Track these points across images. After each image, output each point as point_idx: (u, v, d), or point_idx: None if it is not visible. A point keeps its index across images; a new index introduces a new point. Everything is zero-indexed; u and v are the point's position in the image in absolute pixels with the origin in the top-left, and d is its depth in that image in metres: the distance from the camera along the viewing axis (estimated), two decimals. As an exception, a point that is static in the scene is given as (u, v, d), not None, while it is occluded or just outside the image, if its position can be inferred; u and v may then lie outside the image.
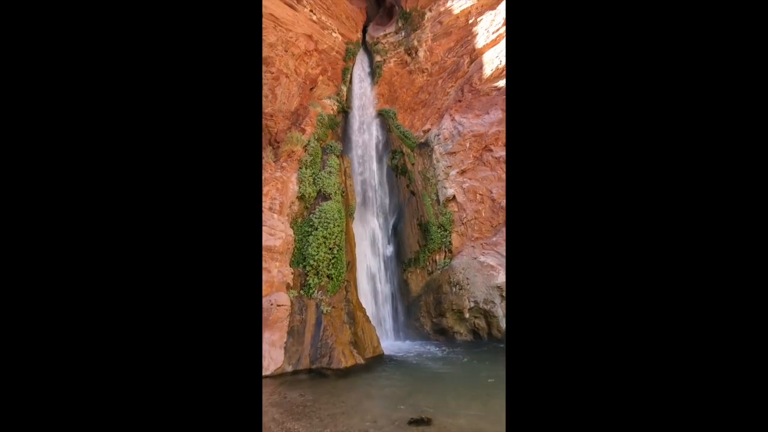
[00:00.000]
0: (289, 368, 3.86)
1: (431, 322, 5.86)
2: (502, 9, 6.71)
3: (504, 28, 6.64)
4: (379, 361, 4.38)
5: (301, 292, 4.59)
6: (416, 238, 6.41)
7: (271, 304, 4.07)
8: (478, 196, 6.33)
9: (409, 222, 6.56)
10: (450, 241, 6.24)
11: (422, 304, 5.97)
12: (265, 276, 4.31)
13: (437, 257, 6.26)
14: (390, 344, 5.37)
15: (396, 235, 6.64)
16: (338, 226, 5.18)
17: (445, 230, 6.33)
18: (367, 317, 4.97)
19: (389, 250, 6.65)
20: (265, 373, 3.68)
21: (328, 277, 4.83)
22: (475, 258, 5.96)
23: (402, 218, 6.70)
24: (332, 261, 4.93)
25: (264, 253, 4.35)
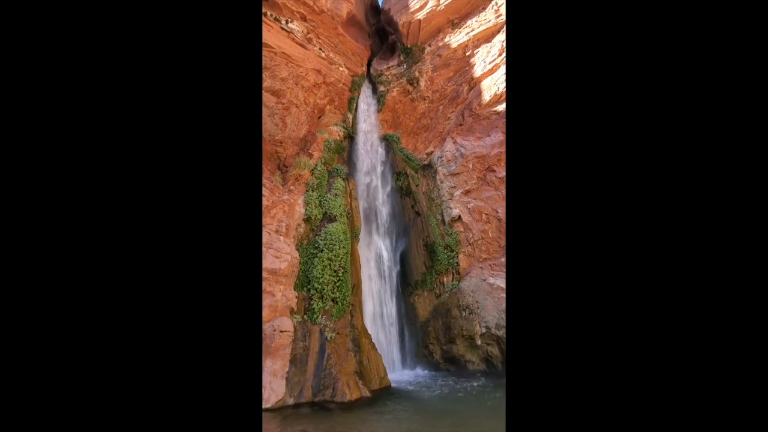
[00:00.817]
0: (291, 400, 3.62)
1: (441, 349, 5.53)
2: (497, 41, 7.19)
3: (500, 58, 7.07)
4: (385, 393, 4.08)
5: (305, 317, 4.45)
6: (422, 259, 6.29)
7: (274, 330, 3.94)
8: (484, 216, 6.29)
9: (415, 243, 6.49)
10: (457, 262, 6.10)
11: (431, 329, 5.68)
12: (268, 300, 4.23)
13: (445, 279, 6.08)
14: (398, 374, 5.04)
15: (402, 256, 6.54)
16: (344, 247, 5.15)
17: (452, 251, 6.21)
18: (373, 344, 4.74)
19: (395, 271, 6.52)
20: (265, 405, 3.46)
21: (332, 300, 4.70)
22: (484, 280, 5.76)
23: (407, 239, 6.64)
24: (337, 284, 4.84)
25: (269, 275, 4.31)
